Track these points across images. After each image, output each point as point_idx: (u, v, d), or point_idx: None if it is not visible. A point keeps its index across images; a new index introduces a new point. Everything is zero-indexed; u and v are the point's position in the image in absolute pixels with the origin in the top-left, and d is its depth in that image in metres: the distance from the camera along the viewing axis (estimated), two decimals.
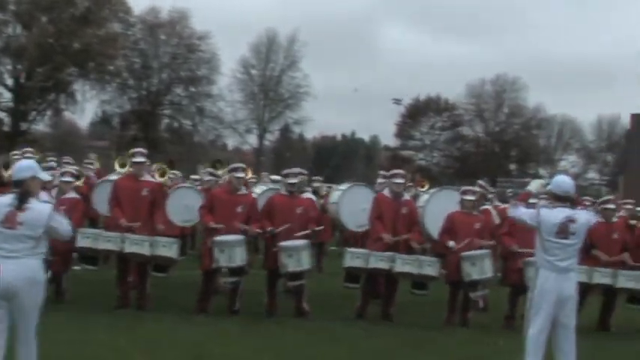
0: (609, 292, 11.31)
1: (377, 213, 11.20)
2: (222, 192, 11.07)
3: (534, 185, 8.39)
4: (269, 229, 10.83)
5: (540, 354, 7.02)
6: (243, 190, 11.14)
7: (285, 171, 11.59)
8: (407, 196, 11.75)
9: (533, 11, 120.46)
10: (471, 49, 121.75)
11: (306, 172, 12.16)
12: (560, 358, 7.09)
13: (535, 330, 7.05)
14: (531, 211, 7.46)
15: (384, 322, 10.93)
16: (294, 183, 11.21)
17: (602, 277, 10.99)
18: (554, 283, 7.05)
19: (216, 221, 10.61)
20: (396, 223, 11.10)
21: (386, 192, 11.52)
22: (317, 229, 11.33)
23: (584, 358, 7.50)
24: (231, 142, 74.35)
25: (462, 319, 11.10)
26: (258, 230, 10.81)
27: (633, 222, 12.19)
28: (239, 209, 10.75)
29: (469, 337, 10.26)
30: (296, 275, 10.63)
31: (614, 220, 11.82)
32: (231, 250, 10.36)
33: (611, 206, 11.60)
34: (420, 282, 11.13)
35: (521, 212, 7.52)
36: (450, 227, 11.19)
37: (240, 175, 10.98)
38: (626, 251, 11.46)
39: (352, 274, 11.10)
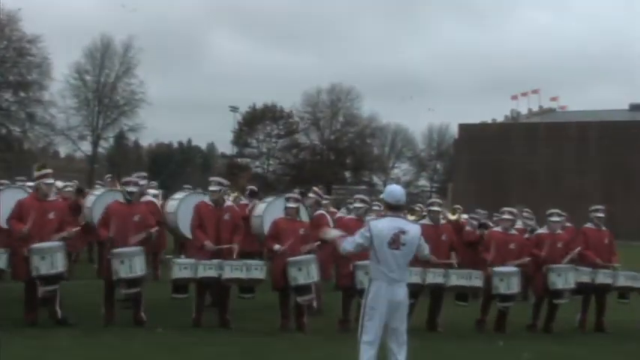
0: (437, 292, 11.83)
1: (198, 221, 11.26)
2: (32, 199, 10.81)
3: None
4: (104, 236, 10.79)
5: (373, 356, 7.17)
6: (53, 197, 11.02)
7: (126, 179, 11.52)
8: (229, 203, 11.87)
9: (364, 23, 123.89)
10: (307, 58, 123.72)
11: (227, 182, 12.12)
12: (392, 359, 7.30)
13: (369, 335, 7.20)
14: (360, 231, 7.49)
15: (222, 329, 10.93)
16: (133, 192, 11.13)
17: (435, 277, 11.48)
18: (386, 292, 7.21)
19: (29, 228, 10.32)
20: (218, 230, 11.17)
21: (207, 199, 11.60)
22: (153, 230, 11.20)
23: (414, 357, 7.78)
24: (63, 149, 72.25)
25: (298, 324, 11.26)
26: (73, 231, 10.70)
27: (454, 217, 12.96)
28: (51, 216, 10.56)
29: (308, 343, 10.37)
30: (131, 282, 10.53)
31: (442, 222, 12.42)
32: (52, 257, 10.10)
33: (437, 208, 12.13)
34: (246, 286, 11.22)
35: (350, 241, 7.53)
36: (275, 233, 11.41)
37: (50, 181, 10.81)
38: (453, 251, 12.06)
39: (179, 285, 11.01)
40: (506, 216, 12.49)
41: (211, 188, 11.42)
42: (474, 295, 12.56)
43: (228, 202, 11.90)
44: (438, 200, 12.99)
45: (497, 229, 12.61)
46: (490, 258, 12.01)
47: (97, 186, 17.48)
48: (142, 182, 13.04)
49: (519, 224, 14.91)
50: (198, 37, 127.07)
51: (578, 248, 12.55)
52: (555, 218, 12.71)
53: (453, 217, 14.92)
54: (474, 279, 11.76)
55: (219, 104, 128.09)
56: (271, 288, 11.43)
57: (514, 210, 12.92)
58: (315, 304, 12.27)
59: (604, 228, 13.04)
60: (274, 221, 11.61)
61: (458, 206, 16.83)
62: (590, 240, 12.80)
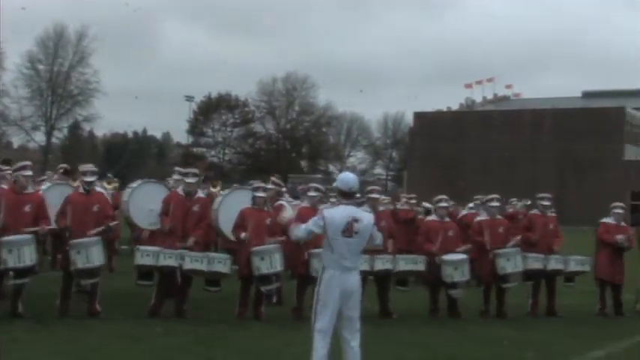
0: (383, 279, 11.97)
1: (166, 209, 11.27)
2: (9, 191, 10.67)
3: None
4: (64, 226, 10.69)
5: (327, 344, 7.22)
6: (30, 189, 10.86)
7: (83, 168, 11.39)
8: (201, 194, 11.84)
9: (318, 12, 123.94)
10: (262, 47, 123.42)
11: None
12: (346, 347, 7.30)
13: (322, 322, 7.23)
14: (314, 219, 7.54)
15: (178, 319, 10.89)
16: (92, 181, 11.06)
17: (383, 263, 11.65)
18: (339, 280, 7.25)
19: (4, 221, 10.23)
20: (186, 221, 11.18)
21: (179, 190, 11.60)
22: (112, 224, 11.17)
23: (368, 344, 7.84)
24: (16, 140, 71.31)
25: (255, 313, 11.29)
26: (46, 228, 10.57)
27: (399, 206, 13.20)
28: (27, 208, 10.44)
29: (263, 331, 10.41)
30: (88, 272, 10.48)
31: (381, 209, 12.60)
32: (20, 250, 10.02)
33: (375, 196, 12.18)
34: (212, 279, 11.24)
35: (302, 228, 7.58)
36: (242, 222, 11.41)
37: (28, 173, 10.71)
38: (391, 238, 12.22)
39: (144, 272, 11.03)
40: (443, 204, 12.62)
41: (188, 180, 11.41)
42: (423, 282, 12.75)
43: (200, 193, 11.82)
44: (376, 187, 13.11)
45: (434, 217, 12.71)
46: (432, 248, 12.14)
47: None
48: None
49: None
50: (153, 26, 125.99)
51: (519, 236, 12.79)
52: (494, 203, 12.94)
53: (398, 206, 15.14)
54: (419, 263, 12.05)
55: (174, 94, 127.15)
56: (238, 276, 11.46)
57: (444, 197, 12.99)
58: (275, 296, 12.30)
59: (549, 214, 13.34)
60: (241, 211, 11.57)
61: (410, 197, 17.07)
62: (535, 225, 13.07)
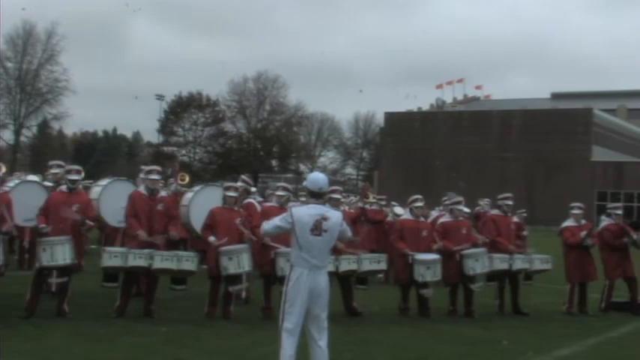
0: (346, 278, 12.02)
1: (132, 210, 11.16)
2: None
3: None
4: (41, 225, 10.62)
5: (295, 343, 7.22)
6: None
7: (69, 167, 11.38)
8: (164, 193, 11.78)
9: (288, 12, 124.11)
10: (233, 47, 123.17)
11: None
12: (314, 346, 7.30)
13: (290, 321, 7.22)
14: (282, 215, 7.59)
15: (145, 319, 10.85)
16: (76, 180, 11.00)
17: (349, 263, 11.70)
18: (308, 279, 7.24)
19: None
20: (152, 220, 11.10)
21: (142, 189, 11.51)
22: (91, 223, 11.09)
23: (336, 343, 7.88)
24: None
25: (224, 312, 11.27)
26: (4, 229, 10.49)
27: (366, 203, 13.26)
28: None
29: (231, 330, 10.41)
30: (59, 271, 10.47)
31: (345, 208, 12.63)
32: None
33: (337, 196, 12.16)
34: (178, 278, 11.21)
35: (271, 223, 7.59)
36: (212, 223, 11.39)
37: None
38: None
39: (110, 274, 10.93)
40: (418, 204, 12.68)
41: (152, 177, 11.30)
42: (395, 281, 12.83)
43: (163, 192, 11.76)
44: (339, 188, 13.13)
45: (408, 217, 12.78)
46: (406, 247, 12.19)
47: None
48: (57, 170, 12.84)
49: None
50: (124, 25, 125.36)
51: (486, 239, 12.87)
52: (460, 207, 13.07)
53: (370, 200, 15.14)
54: (381, 263, 12.21)
55: (144, 93, 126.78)
56: (207, 275, 11.45)
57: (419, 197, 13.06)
58: (244, 294, 12.32)
59: (510, 214, 13.54)
60: (211, 211, 11.55)
61: (380, 197, 17.15)
62: (497, 226, 13.20)
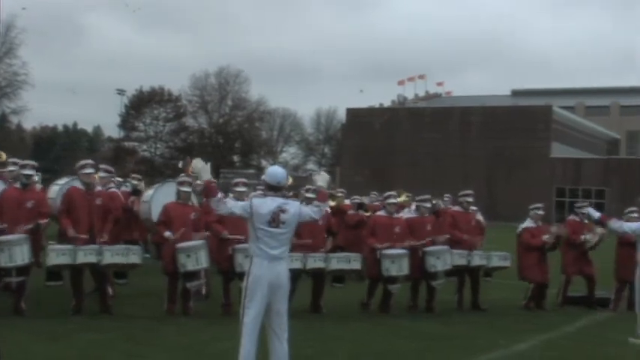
0: (318, 276, 12.00)
1: (65, 207, 10.98)
2: None
3: (322, 180, 8.54)
4: None
5: (255, 338, 7.20)
6: None
7: (22, 162, 11.22)
8: (99, 188, 11.63)
9: (248, 7, 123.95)
10: (194, 42, 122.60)
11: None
12: (274, 341, 7.30)
13: (250, 316, 7.21)
14: (242, 203, 7.61)
15: (103, 315, 10.78)
16: (30, 175, 10.88)
17: (315, 261, 11.65)
18: (267, 271, 7.24)
19: None
20: (91, 215, 10.91)
21: (78, 184, 11.32)
22: (42, 222, 10.94)
23: (296, 339, 7.90)
24: None
25: (184, 308, 11.24)
26: None
27: (333, 202, 13.26)
28: None
29: (191, 326, 10.37)
30: (16, 271, 10.32)
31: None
32: None
33: (311, 195, 12.22)
34: (120, 272, 11.11)
35: (228, 206, 7.56)
36: (166, 218, 11.36)
37: None
38: (331, 235, 12.40)
39: (54, 272, 10.69)
40: (392, 200, 12.73)
41: (86, 171, 11.06)
42: (359, 277, 12.88)
43: (99, 187, 11.62)
44: (312, 187, 13.14)
45: (382, 213, 12.83)
46: (376, 242, 12.21)
47: None
48: (13, 168, 12.68)
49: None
50: (84, 19, 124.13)
51: (447, 235, 12.98)
52: (427, 204, 13.15)
53: (332, 203, 15.21)
54: (352, 262, 12.03)
55: (105, 87, 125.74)
56: (162, 272, 11.41)
57: (394, 193, 13.15)
58: (204, 289, 12.32)
59: (471, 210, 13.66)
60: (165, 206, 11.52)
61: (340, 191, 17.21)
62: (458, 222, 13.31)
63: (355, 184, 50.89)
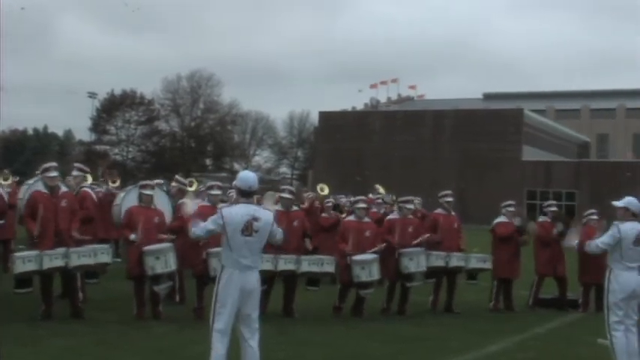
0: (290, 279, 11.99)
1: (29, 210, 10.87)
2: None
3: (269, 200, 8.49)
4: None
5: (226, 343, 7.19)
6: None
7: None
8: (64, 188, 11.44)
9: (220, 10, 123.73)
10: (167, 45, 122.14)
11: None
12: (245, 346, 7.28)
13: (221, 322, 7.20)
14: (212, 217, 7.55)
15: (74, 319, 10.69)
16: None
17: (286, 263, 11.61)
18: (238, 279, 7.23)
19: None
20: (56, 218, 10.79)
21: (41, 187, 11.15)
22: None
23: (268, 343, 7.89)
24: None
25: (154, 312, 11.19)
26: None
27: (304, 205, 13.29)
28: None
29: (161, 331, 10.34)
30: None
31: (294, 208, 12.59)
32: None
33: (287, 195, 12.21)
34: (91, 271, 11.03)
35: (202, 227, 7.53)
36: (129, 222, 11.30)
37: None
38: (307, 237, 12.39)
39: (22, 279, 10.54)
40: (360, 205, 12.71)
41: (50, 175, 10.94)
42: (332, 281, 12.87)
43: (64, 188, 11.51)
44: (290, 187, 13.13)
45: (352, 218, 12.82)
46: (348, 248, 12.17)
47: None
48: None
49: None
50: (54, 22, 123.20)
51: (427, 235, 12.99)
52: (409, 206, 13.17)
53: (306, 205, 15.26)
54: (325, 265, 11.97)
55: (76, 90, 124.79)
56: (126, 276, 11.31)
57: (365, 198, 13.14)
58: (177, 295, 12.28)
59: (453, 213, 13.61)
60: (128, 209, 11.48)
61: (309, 193, 17.26)
62: (440, 225, 13.28)
63: (328, 187, 50.78)
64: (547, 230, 13.92)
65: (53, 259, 10.35)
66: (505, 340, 10.85)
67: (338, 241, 12.52)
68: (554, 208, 14.42)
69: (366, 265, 11.97)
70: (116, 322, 10.75)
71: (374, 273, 12.03)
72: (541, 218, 14.52)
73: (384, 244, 12.39)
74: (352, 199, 14.40)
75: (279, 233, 7.83)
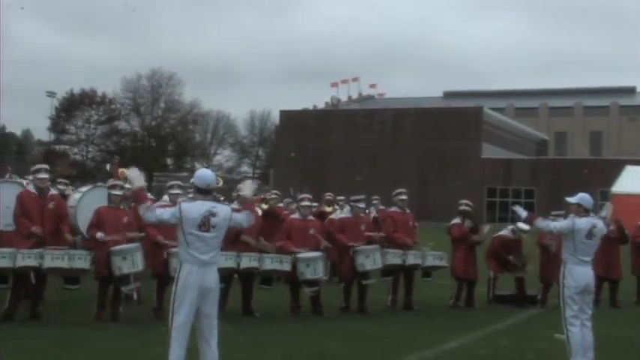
0: (248, 278, 12.00)
1: (22, 210, 10.92)
2: None
3: (248, 188, 8.48)
4: None
5: (184, 343, 7.14)
6: None
7: None
8: (54, 191, 11.55)
9: (177, 10, 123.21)
10: (125, 45, 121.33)
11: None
12: (204, 346, 7.25)
13: (179, 321, 7.15)
14: (171, 209, 7.54)
15: (33, 321, 10.60)
16: None
17: (249, 261, 11.61)
18: (197, 277, 7.18)
19: None
20: (43, 219, 10.89)
21: (31, 188, 11.24)
22: None
23: (227, 342, 7.87)
24: None
25: (113, 314, 11.10)
26: None
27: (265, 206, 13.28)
28: None
29: (120, 332, 10.27)
30: None
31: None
32: None
33: (243, 194, 12.16)
34: (71, 277, 10.97)
35: (158, 213, 7.50)
36: (97, 222, 11.22)
37: None
38: (262, 236, 12.40)
39: None
40: (305, 203, 12.72)
41: (40, 176, 11.06)
42: (279, 279, 12.89)
43: (53, 190, 11.53)
44: (307, 195, 13.08)
45: (296, 216, 12.83)
46: (289, 245, 12.19)
47: None
48: None
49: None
50: (10, 21, 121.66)
51: (381, 233, 13.06)
52: (361, 205, 13.28)
53: (264, 206, 15.26)
54: (284, 263, 11.98)
55: (34, 90, 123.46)
56: (94, 277, 11.22)
57: (309, 196, 13.12)
58: (135, 295, 12.22)
59: (407, 211, 13.67)
60: (97, 210, 11.38)
61: (274, 193, 17.27)
62: (396, 222, 13.35)
63: (290, 186, 50.82)
64: (462, 230, 13.99)
65: (26, 257, 10.38)
66: (464, 336, 10.95)
67: (281, 238, 12.49)
68: (463, 207, 14.31)
69: (311, 263, 11.98)
70: (75, 323, 10.65)
71: (318, 271, 12.00)
72: (455, 220, 14.29)
73: (326, 243, 12.41)
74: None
75: (243, 220, 7.80)
